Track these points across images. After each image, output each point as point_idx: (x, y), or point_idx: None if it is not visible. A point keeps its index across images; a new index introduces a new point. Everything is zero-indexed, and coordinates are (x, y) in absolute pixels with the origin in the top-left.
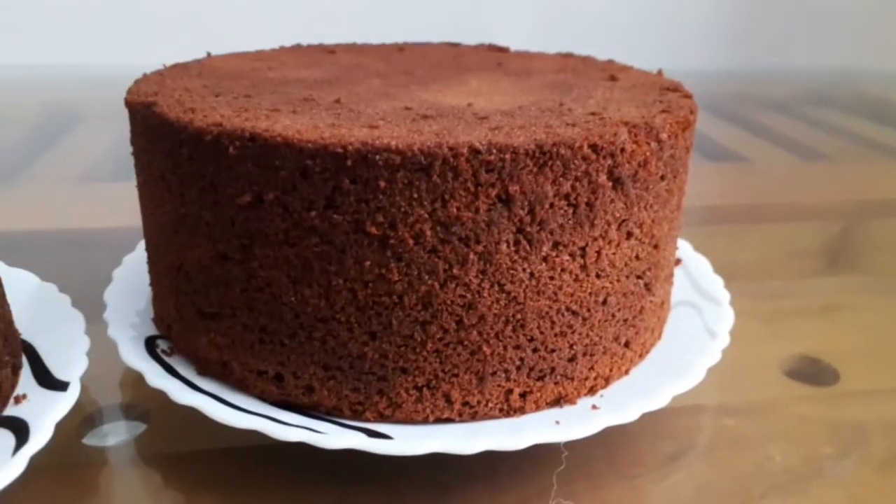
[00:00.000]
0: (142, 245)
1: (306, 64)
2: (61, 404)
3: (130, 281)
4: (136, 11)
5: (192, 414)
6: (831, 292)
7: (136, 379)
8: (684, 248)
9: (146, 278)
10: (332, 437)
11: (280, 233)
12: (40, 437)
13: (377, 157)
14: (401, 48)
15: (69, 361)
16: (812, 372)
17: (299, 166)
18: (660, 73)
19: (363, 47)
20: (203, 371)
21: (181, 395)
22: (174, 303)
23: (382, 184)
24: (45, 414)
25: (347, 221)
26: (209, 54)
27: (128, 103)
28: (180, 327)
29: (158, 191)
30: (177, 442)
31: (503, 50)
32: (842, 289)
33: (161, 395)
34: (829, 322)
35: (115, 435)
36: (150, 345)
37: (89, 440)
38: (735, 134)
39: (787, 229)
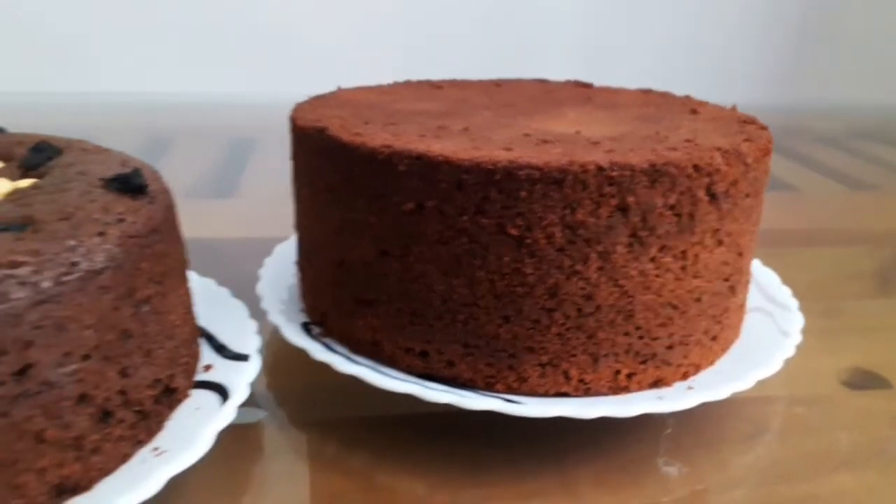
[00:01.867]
0: (279, 249)
1: (421, 98)
2: (249, 368)
3: (273, 279)
4: (218, 45)
5: (335, 388)
6: (884, 313)
7: (280, 359)
8: (753, 263)
9: (287, 276)
10: (475, 399)
11: (436, 234)
12: (240, 393)
13: (520, 172)
14: (497, 84)
15: (243, 338)
16: (867, 382)
17: (456, 179)
18: (734, 108)
19: (465, 83)
20: (356, 350)
21: (344, 366)
22: (332, 293)
23: (523, 194)
24: (238, 375)
25: (492, 224)
26: (339, 88)
27: (298, 127)
28: (336, 314)
29: (325, 199)
30: (323, 412)
31: (587, 85)
32: (894, 310)
33: (305, 375)
34: (883, 340)
35: (267, 408)
36: (306, 329)
37: (244, 413)
38: (785, 165)
39: (839, 253)
